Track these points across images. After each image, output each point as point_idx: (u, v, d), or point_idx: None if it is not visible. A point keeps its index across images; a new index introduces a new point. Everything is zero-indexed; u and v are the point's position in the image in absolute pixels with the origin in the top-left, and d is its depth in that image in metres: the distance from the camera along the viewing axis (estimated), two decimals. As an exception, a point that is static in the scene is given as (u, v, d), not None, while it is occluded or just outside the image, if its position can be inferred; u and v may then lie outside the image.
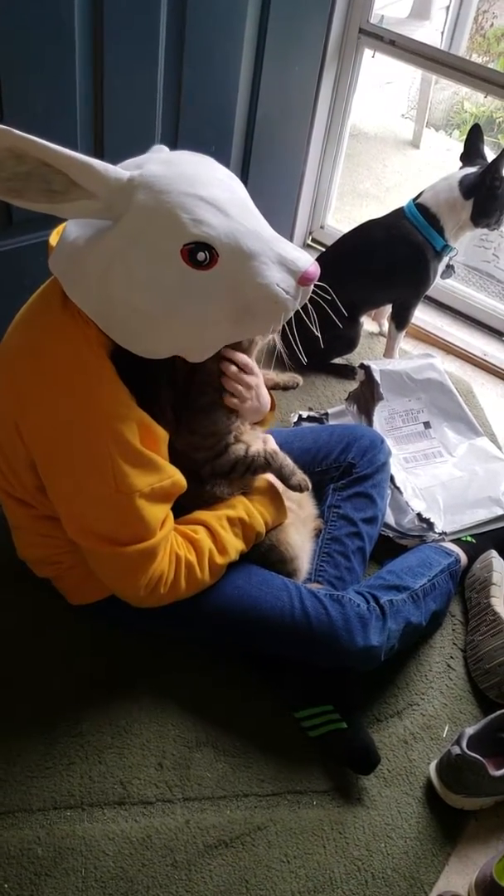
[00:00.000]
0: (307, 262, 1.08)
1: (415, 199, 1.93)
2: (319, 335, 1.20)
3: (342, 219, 2.58)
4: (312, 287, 1.12)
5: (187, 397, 1.29)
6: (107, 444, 1.12)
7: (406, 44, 2.02)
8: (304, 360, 1.29)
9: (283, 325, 1.14)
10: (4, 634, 1.45)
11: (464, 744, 1.31)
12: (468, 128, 4.22)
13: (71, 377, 1.13)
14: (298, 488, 1.36)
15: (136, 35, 1.62)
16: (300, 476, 1.37)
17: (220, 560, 1.31)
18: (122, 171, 1.03)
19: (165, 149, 1.21)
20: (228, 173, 1.10)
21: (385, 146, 3.44)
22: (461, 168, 1.91)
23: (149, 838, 1.25)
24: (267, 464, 1.35)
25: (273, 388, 1.43)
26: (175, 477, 1.21)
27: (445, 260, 1.97)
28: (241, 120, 1.92)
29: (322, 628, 1.33)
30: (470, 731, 1.34)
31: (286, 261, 1.07)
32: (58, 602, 1.43)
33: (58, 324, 1.14)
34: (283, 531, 1.40)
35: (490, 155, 1.87)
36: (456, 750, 1.31)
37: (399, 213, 1.94)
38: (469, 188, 1.87)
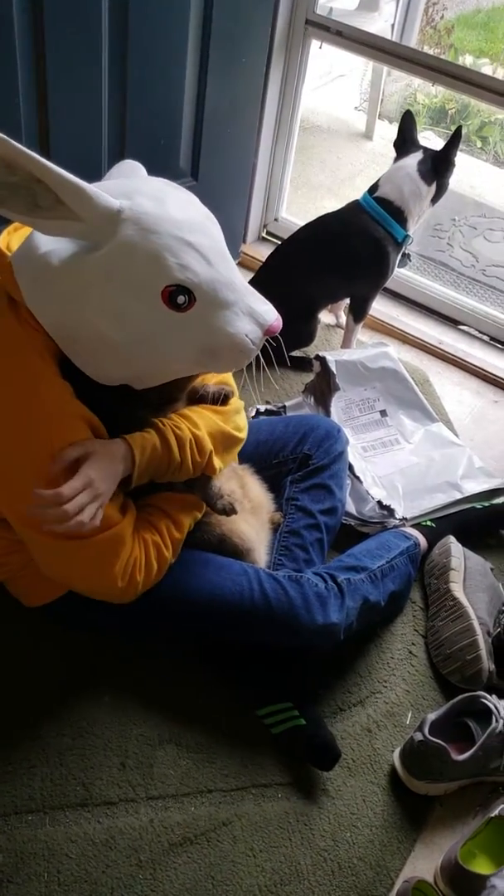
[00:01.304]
0: (273, 315, 1.14)
1: (371, 193, 1.93)
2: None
3: (297, 211, 2.58)
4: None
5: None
6: (51, 441, 1.11)
7: (353, 34, 2.02)
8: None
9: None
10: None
11: (426, 730, 1.31)
12: (421, 119, 4.25)
13: (13, 376, 1.13)
14: (224, 511, 1.34)
15: (78, 32, 1.60)
16: (227, 500, 1.34)
17: (177, 534, 1.30)
18: (111, 199, 1.03)
19: (141, 168, 1.23)
20: (208, 214, 1.13)
21: (338, 138, 3.45)
22: (401, 157, 1.92)
23: (112, 839, 1.23)
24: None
25: (199, 401, 1.33)
26: None
27: (403, 249, 1.98)
28: (190, 113, 1.91)
29: (282, 608, 1.33)
30: (432, 716, 1.34)
31: (255, 314, 1.12)
32: (12, 603, 1.41)
33: (3, 325, 1.14)
34: (233, 522, 1.39)
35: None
36: (418, 736, 1.31)
37: (356, 207, 1.94)
38: (428, 173, 1.89)
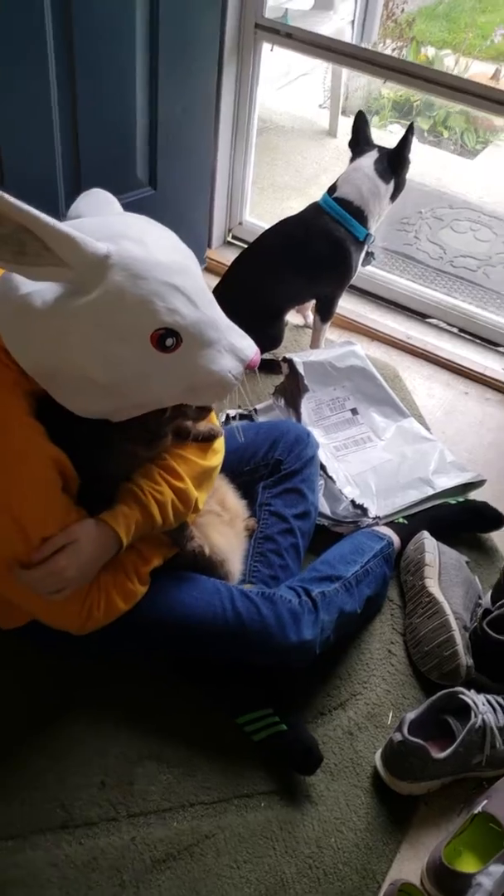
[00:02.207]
0: (252, 350, 1.17)
1: (330, 194, 1.92)
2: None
3: (263, 213, 2.57)
4: None
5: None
6: (15, 482, 1.12)
7: (302, 36, 2.02)
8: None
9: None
10: None
11: (405, 730, 1.30)
12: (386, 113, 4.24)
13: None
14: (192, 555, 1.34)
15: (23, 48, 1.59)
16: (197, 543, 1.35)
17: (145, 569, 1.29)
18: (99, 245, 1.02)
19: (113, 199, 1.23)
20: (188, 253, 1.14)
21: (302, 137, 3.44)
22: (357, 157, 1.92)
23: (94, 860, 1.22)
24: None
25: (197, 440, 1.35)
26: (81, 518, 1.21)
27: (365, 248, 1.97)
28: (143, 123, 1.90)
29: (255, 627, 1.32)
30: (411, 716, 1.33)
31: (237, 349, 1.14)
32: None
33: None
34: (204, 535, 1.38)
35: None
36: (398, 737, 1.31)
37: (316, 208, 1.93)
38: (385, 171, 1.89)
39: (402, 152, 1.88)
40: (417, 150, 3.59)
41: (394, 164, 1.88)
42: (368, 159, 1.89)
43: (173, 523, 1.28)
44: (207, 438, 1.34)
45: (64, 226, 1.00)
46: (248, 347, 1.17)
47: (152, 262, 1.06)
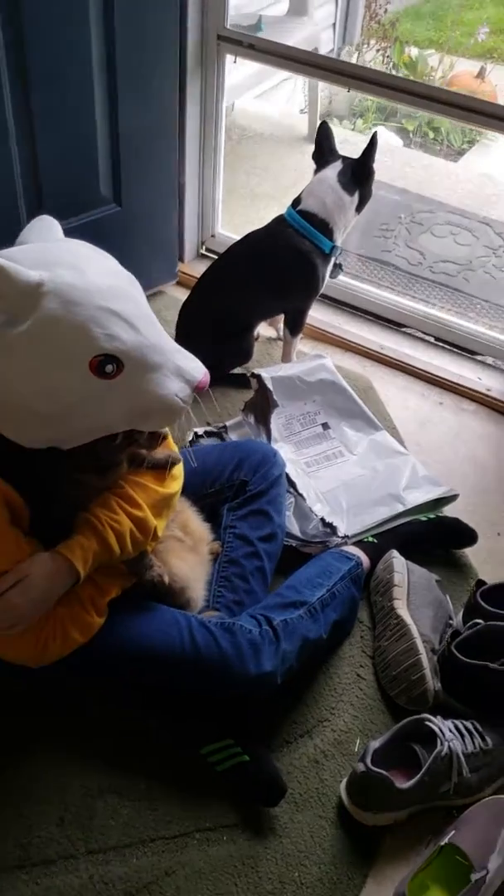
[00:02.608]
0: (200, 371, 1.15)
1: (294, 207, 1.89)
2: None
3: (242, 223, 2.54)
4: None
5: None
6: None
7: (264, 46, 1.99)
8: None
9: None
10: None
11: (368, 759, 1.27)
12: (370, 115, 4.21)
13: None
14: (152, 584, 1.32)
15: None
16: (157, 572, 1.32)
17: (102, 600, 1.27)
18: (31, 273, 1.01)
19: (56, 226, 1.21)
20: (130, 278, 1.13)
21: (281, 145, 3.41)
22: (321, 168, 1.89)
23: (51, 900, 1.20)
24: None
25: (154, 467, 1.32)
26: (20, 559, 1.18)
27: (333, 260, 1.94)
28: (104, 140, 1.87)
29: (213, 659, 1.29)
30: (375, 744, 1.30)
31: (184, 372, 1.13)
32: None
33: None
34: (164, 562, 1.35)
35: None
36: (361, 767, 1.28)
37: (281, 221, 1.90)
38: (349, 183, 1.86)
39: (366, 163, 1.85)
40: (399, 154, 3.59)
41: (358, 175, 1.85)
42: (332, 170, 1.86)
43: (131, 553, 1.26)
44: (165, 465, 1.31)
45: None
46: (196, 369, 1.15)
47: (87, 287, 1.04)
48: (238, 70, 2.89)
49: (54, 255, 1.08)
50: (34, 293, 1.02)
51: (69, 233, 1.85)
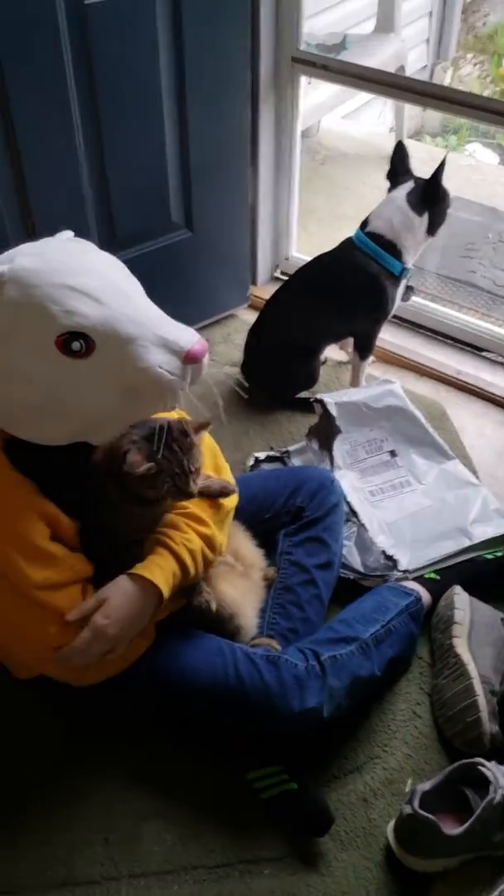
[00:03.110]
0: (190, 340, 1.07)
1: (363, 229, 1.88)
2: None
3: (319, 246, 2.52)
4: (205, 360, 1.10)
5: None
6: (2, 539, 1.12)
7: (337, 67, 1.98)
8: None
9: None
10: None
11: (416, 802, 1.23)
12: (464, 133, 4.12)
13: None
14: (199, 609, 1.30)
15: (43, 95, 1.62)
16: (204, 598, 1.31)
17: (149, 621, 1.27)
18: None
19: (70, 234, 1.21)
20: (107, 258, 1.10)
21: (366, 165, 3.38)
22: (393, 188, 1.86)
23: (91, 922, 1.21)
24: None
25: (210, 495, 1.32)
26: (76, 567, 1.20)
27: (404, 283, 1.91)
28: (175, 167, 1.90)
29: (256, 692, 1.27)
30: (424, 786, 1.26)
31: (168, 342, 1.05)
32: (4, 677, 1.41)
33: None
34: (214, 588, 1.35)
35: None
36: (408, 809, 1.24)
37: (349, 244, 1.89)
38: (419, 203, 1.83)
39: (435, 183, 1.81)
40: (493, 171, 3.50)
41: (428, 195, 1.81)
42: (402, 191, 1.84)
43: (202, 572, 1.26)
44: (220, 495, 1.31)
45: None
46: (183, 338, 1.06)
47: (44, 268, 1.03)
48: (323, 89, 2.91)
49: (21, 249, 1.08)
50: None
51: (140, 259, 1.91)
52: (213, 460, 1.37)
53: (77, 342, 1.01)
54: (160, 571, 1.19)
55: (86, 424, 1.11)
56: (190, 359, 1.06)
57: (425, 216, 1.83)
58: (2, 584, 1.14)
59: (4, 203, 1.66)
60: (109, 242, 1.82)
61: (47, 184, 1.70)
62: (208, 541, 1.26)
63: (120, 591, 1.19)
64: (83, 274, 1.03)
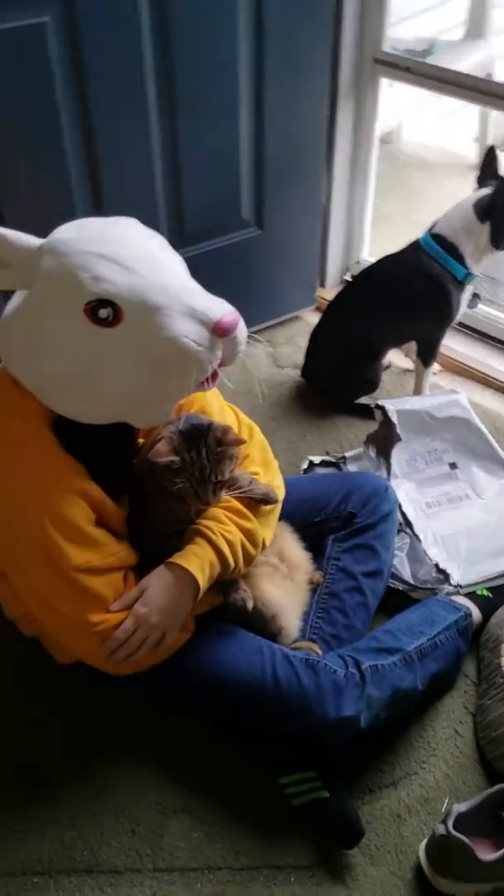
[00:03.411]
0: (220, 311, 1.04)
1: (430, 230, 1.85)
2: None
3: (392, 251, 2.50)
4: (240, 335, 1.08)
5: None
6: (42, 520, 1.12)
7: (420, 69, 1.95)
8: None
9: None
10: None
11: (450, 823, 1.19)
12: None
13: (7, 455, 1.14)
14: (234, 606, 1.29)
15: (122, 91, 1.64)
16: (241, 595, 1.29)
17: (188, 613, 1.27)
18: (31, 238, 1.05)
19: (135, 221, 1.21)
20: (147, 231, 1.09)
21: (448, 172, 3.33)
22: (476, 190, 1.82)
23: (113, 911, 1.21)
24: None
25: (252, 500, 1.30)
26: (120, 554, 1.20)
27: (469, 289, 1.87)
28: (248, 163, 1.90)
29: (292, 696, 1.25)
30: (460, 807, 1.22)
31: (196, 312, 1.03)
32: (45, 660, 1.43)
33: (4, 403, 1.16)
34: (256, 587, 1.34)
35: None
36: (441, 829, 1.19)
37: (414, 245, 1.87)
38: (484, 211, 1.79)
39: (495, 199, 1.76)
40: None
41: (493, 204, 1.76)
42: (476, 195, 1.80)
43: (243, 567, 1.25)
44: (262, 502, 1.30)
45: None
46: (212, 308, 1.03)
47: (79, 238, 1.03)
48: (406, 93, 2.86)
49: (65, 224, 1.09)
50: (35, 256, 1.03)
51: (207, 256, 1.91)
52: (262, 454, 1.36)
53: (105, 310, 1.01)
54: (196, 560, 1.19)
55: (120, 401, 1.11)
56: (219, 330, 1.03)
57: (487, 224, 1.78)
58: (46, 564, 1.15)
59: (78, 191, 1.69)
60: (178, 237, 1.83)
61: (120, 175, 1.72)
62: (249, 535, 1.25)
63: (158, 579, 1.19)
64: (115, 243, 1.03)
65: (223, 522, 1.23)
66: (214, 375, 1.10)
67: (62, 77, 1.56)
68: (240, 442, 1.21)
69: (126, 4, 1.56)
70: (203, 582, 1.19)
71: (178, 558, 1.20)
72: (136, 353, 1.04)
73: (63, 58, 1.54)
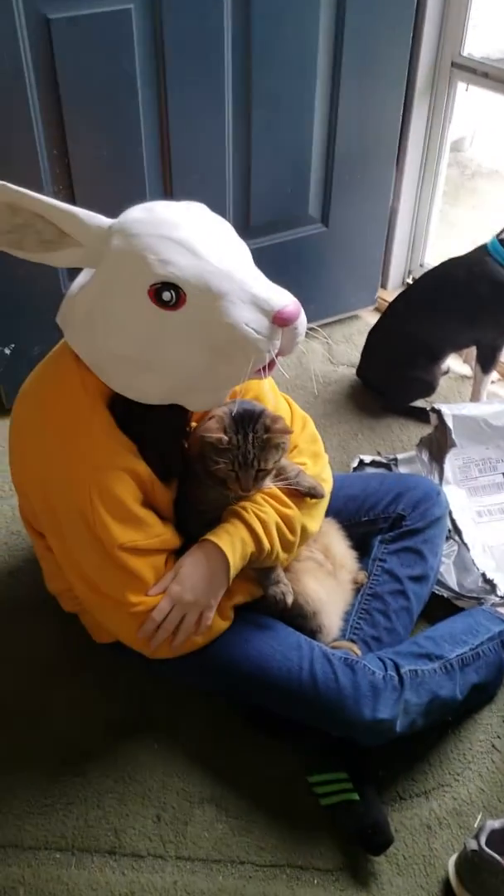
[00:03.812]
0: (282, 301, 1.04)
1: (498, 236, 1.81)
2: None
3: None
4: (300, 327, 1.07)
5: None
6: (89, 492, 1.12)
7: (498, 74, 1.91)
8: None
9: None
10: (27, 665, 1.47)
11: (482, 839, 1.16)
12: None
13: (63, 425, 1.15)
14: (273, 600, 1.27)
15: (200, 80, 1.65)
16: (282, 589, 1.27)
17: (227, 602, 1.26)
18: (103, 218, 1.06)
19: (203, 206, 1.22)
20: (216, 218, 1.10)
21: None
22: None
23: (132, 894, 1.20)
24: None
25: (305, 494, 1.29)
26: (164, 536, 1.20)
27: (536, 297, 1.83)
28: (319, 159, 1.89)
29: (328, 694, 1.23)
30: (494, 824, 1.18)
31: (258, 300, 1.03)
32: (86, 640, 1.43)
33: (61, 371, 1.17)
34: (298, 582, 1.32)
35: None
36: (472, 844, 1.16)
37: (481, 250, 1.83)
38: None
39: None
40: None
41: None
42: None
43: (281, 551, 1.24)
44: (308, 496, 1.29)
45: (67, 205, 1.02)
46: (273, 298, 1.03)
47: (149, 220, 1.04)
48: (480, 102, 2.82)
49: (139, 205, 1.09)
50: (105, 235, 1.04)
51: (271, 249, 1.90)
52: (311, 446, 1.34)
53: (168, 292, 1.02)
54: (227, 536, 1.19)
55: (176, 384, 1.11)
56: (280, 320, 1.03)
57: None
58: (90, 539, 1.15)
59: (149, 176, 1.70)
60: (244, 228, 1.83)
61: (191, 163, 1.73)
62: (287, 520, 1.24)
63: (190, 557, 1.20)
64: (185, 227, 1.04)
65: (259, 504, 1.23)
66: (271, 364, 1.09)
67: (143, 63, 1.58)
68: (287, 431, 1.20)
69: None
70: (233, 558, 1.18)
71: (209, 535, 1.20)
72: (196, 338, 1.04)
73: (145, 44, 1.56)
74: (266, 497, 1.24)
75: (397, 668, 1.27)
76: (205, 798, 1.30)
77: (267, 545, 1.21)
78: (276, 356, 1.08)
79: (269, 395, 1.31)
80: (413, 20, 1.85)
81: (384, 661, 1.29)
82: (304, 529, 1.27)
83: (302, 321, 1.07)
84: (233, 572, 1.20)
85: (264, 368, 1.09)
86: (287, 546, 1.25)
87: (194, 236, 1.03)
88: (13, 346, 1.81)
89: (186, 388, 1.12)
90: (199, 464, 1.20)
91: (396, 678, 1.26)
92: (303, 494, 1.27)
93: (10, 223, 1.05)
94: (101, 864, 1.23)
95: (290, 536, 1.24)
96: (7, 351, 1.81)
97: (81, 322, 1.10)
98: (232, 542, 1.19)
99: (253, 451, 1.16)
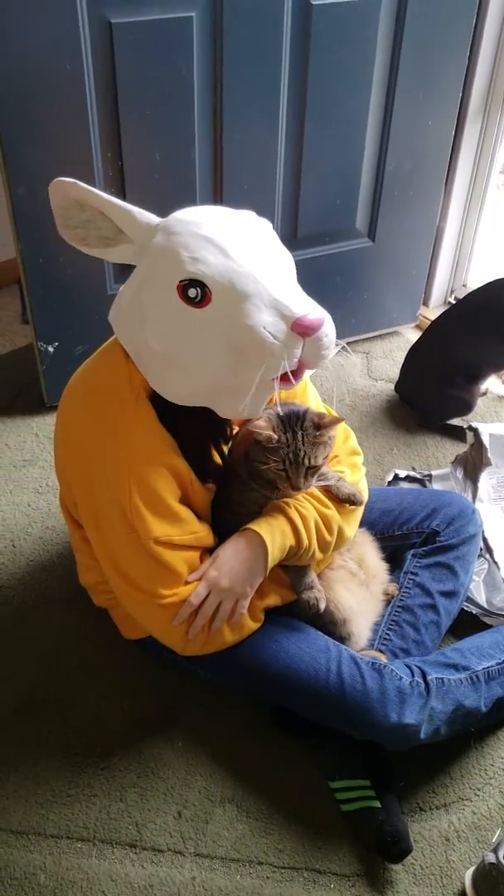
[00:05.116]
0: (303, 309, 1.04)
1: None
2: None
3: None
4: (324, 339, 1.06)
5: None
6: (129, 485, 1.15)
7: (553, 97, 1.93)
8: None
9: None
10: (57, 658, 1.49)
11: (501, 853, 1.16)
12: None
13: (108, 417, 1.18)
14: (306, 605, 1.29)
15: (256, 90, 1.68)
16: (314, 595, 1.29)
17: (259, 603, 1.28)
18: (152, 216, 1.10)
19: (252, 213, 1.25)
20: (261, 225, 1.12)
21: None
22: None
23: (151, 887, 1.21)
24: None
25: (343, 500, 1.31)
26: (200, 534, 1.22)
27: None
28: (369, 175, 1.91)
29: (355, 697, 1.24)
30: (513, 840, 1.18)
31: (280, 305, 1.04)
32: (112, 633, 1.46)
33: (110, 365, 1.20)
34: (330, 589, 1.33)
35: None
36: (490, 858, 1.16)
37: None
38: None
39: None
40: None
41: None
42: None
43: (318, 549, 1.26)
44: (347, 501, 1.31)
45: (125, 203, 1.07)
46: (295, 304, 1.03)
47: (191, 219, 1.07)
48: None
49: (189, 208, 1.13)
50: (152, 233, 1.08)
51: (316, 262, 1.93)
52: (351, 458, 1.36)
53: (194, 289, 1.04)
54: (267, 525, 1.21)
55: (202, 385, 1.11)
56: (299, 327, 1.03)
57: None
58: (126, 530, 1.17)
59: (200, 181, 1.73)
60: (290, 239, 1.85)
61: (242, 171, 1.76)
62: (326, 519, 1.26)
63: (229, 544, 1.22)
64: (224, 229, 1.06)
65: (299, 500, 1.25)
66: (294, 374, 1.08)
67: (200, 70, 1.61)
68: (337, 420, 1.21)
69: (271, 6, 1.59)
70: (272, 547, 1.20)
71: (250, 524, 1.22)
72: (217, 337, 1.06)
73: (204, 52, 1.59)
74: (307, 496, 1.26)
75: (424, 675, 1.28)
76: (226, 798, 1.31)
77: (305, 540, 1.23)
78: (303, 368, 1.09)
79: (312, 403, 1.34)
80: (470, 43, 1.87)
81: (411, 667, 1.30)
82: (340, 532, 1.29)
83: (327, 334, 1.06)
84: (271, 562, 1.21)
85: (286, 378, 1.08)
86: (324, 545, 1.27)
87: (230, 238, 1.05)
88: (57, 344, 1.85)
89: (212, 390, 1.12)
90: (242, 466, 1.22)
91: (423, 685, 1.27)
92: (342, 500, 1.29)
93: (78, 219, 1.09)
94: (121, 856, 1.25)
95: (327, 536, 1.26)
96: (51, 349, 1.85)
97: (125, 315, 1.13)
98: (272, 532, 1.21)
99: (303, 448, 1.18)
